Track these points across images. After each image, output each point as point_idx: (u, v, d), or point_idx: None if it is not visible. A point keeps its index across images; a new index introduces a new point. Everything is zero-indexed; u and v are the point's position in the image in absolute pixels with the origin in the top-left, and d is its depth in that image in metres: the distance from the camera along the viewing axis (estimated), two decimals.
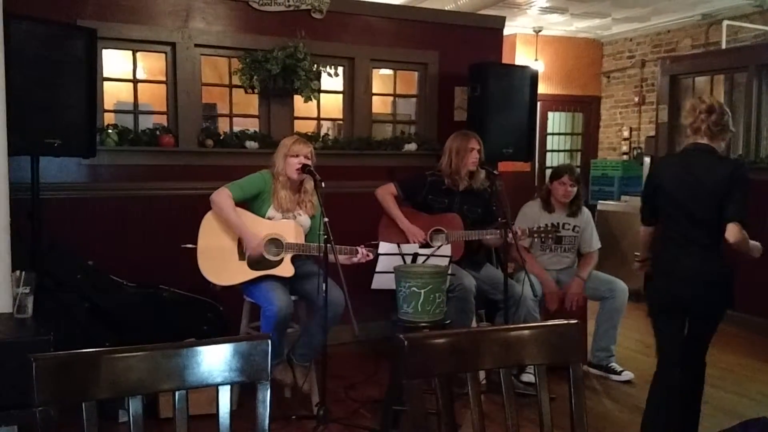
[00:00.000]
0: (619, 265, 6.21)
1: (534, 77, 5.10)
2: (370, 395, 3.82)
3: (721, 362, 4.07)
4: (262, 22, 4.54)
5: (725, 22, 6.97)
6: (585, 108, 9.35)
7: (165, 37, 4.31)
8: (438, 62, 5.18)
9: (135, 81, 4.43)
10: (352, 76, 4.95)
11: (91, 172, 4.14)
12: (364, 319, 3.06)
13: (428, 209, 4.04)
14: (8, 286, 3.03)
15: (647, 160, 6.46)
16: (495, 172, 3.98)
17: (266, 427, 1.32)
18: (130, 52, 4.36)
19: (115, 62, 4.72)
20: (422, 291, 2.88)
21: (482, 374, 3.37)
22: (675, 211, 2.86)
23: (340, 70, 4.89)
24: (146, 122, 4.56)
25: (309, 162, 3.43)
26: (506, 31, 5.67)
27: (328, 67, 4.69)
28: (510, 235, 3.64)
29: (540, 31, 8.58)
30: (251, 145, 4.51)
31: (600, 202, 7.19)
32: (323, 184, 3.30)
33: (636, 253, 3.23)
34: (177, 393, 1.27)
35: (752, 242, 2.78)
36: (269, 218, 3.46)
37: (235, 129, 4.69)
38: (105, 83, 4.20)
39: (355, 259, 3.36)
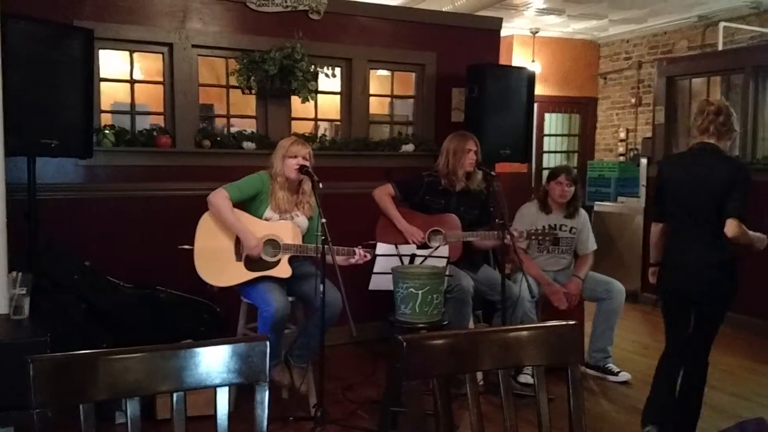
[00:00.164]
0: (616, 266, 6.24)
1: (531, 78, 5.11)
2: (367, 396, 3.82)
3: (720, 363, 4.07)
4: (260, 23, 4.54)
5: (722, 24, 6.99)
6: (582, 109, 9.37)
7: (162, 38, 4.30)
8: (435, 63, 5.18)
9: (132, 81, 4.43)
10: (349, 76, 4.95)
11: (87, 172, 4.13)
12: (361, 320, 3.06)
13: (425, 210, 4.05)
14: (5, 287, 3.02)
15: (644, 161, 6.47)
16: (492, 173, 3.98)
17: (264, 429, 1.32)
18: (127, 53, 4.36)
19: (112, 63, 4.71)
20: (420, 292, 2.88)
21: (480, 375, 3.38)
22: (682, 207, 3.00)
23: (338, 71, 4.89)
24: (143, 123, 4.54)
25: (307, 163, 3.43)
26: (503, 33, 5.68)
27: (325, 67, 4.68)
28: (507, 236, 3.64)
29: (537, 32, 8.59)
30: (248, 145, 4.51)
31: (597, 203, 7.21)
32: (321, 185, 3.30)
33: (651, 263, 3.33)
34: (175, 395, 1.27)
35: (757, 234, 2.90)
36: (267, 219, 3.45)
37: (233, 130, 4.69)
38: (102, 84, 4.20)
39: (352, 260, 3.36)
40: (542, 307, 4.22)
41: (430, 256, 3.30)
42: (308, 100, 4.61)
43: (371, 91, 5.09)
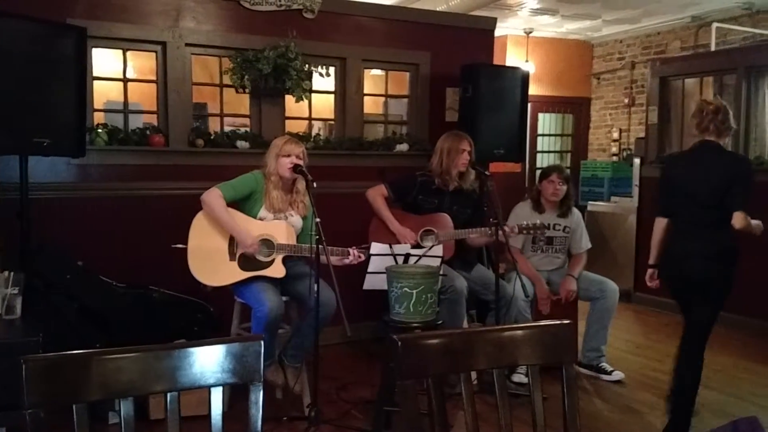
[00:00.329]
0: (610, 266, 6.26)
1: (525, 78, 5.12)
2: (361, 396, 3.81)
3: (715, 363, 4.09)
4: (254, 22, 4.53)
5: (714, 25, 7.02)
6: (575, 109, 9.40)
7: (155, 37, 4.28)
8: (429, 63, 5.18)
9: (125, 80, 4.41)
10: (343, 76, 4.94)
11: (80, 171, 4.11)
12: (355, 319, 3.05)
13: (418, 209, 4.05)
14: None
15: (637, 161, 6.49)
16: (486, 173, 3.99)
17: (258, 429, 1.31)
18: (120, 51, 4.34)
19: (105, 61, 4.69)
20: (414, 291, 2.88)
21: (473, 375, 3.38)
22: (687, 200, 3.19)
23: (332, 70, 4.88)
24: (136, 122, 4.53)
25: (301, 162, 3.42)
26: (497, 33, 5.69)
27: (319, 67, 4.67)
28: (501, 234, 3.64)
29: (531, 32, 8.61)
30: (242, 144, 4.50)
31: (590, 203, 7.23)
32: (315, 185, 3.29)
33: (649, 264, 3.46)
34: (169, 395, 1.26)
35: (755, 221, 3.11)
36: (261, 219, 3.44)
37: (226, 129, 4.68)
38: (95, 82, 4.18)
39: (347, 261, 3.35)
40: (536, 306, 4.22)
41: (424, 255, 3.30)
42: (302, 100, 4.60)
43: (365, 91, 5.09)
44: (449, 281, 3.78)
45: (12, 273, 3.08)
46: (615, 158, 8.78)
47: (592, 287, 4.24)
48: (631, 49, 8.76)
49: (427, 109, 5.23)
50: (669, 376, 3.37)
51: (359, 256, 3.36)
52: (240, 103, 4.87)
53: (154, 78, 4.42)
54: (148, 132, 4.31)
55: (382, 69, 5.34)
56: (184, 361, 1.27)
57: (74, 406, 1.19)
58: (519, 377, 3.94)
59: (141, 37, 4.25)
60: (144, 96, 4.75)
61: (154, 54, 4.37)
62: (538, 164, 9.08)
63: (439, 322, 3.10)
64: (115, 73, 4.58)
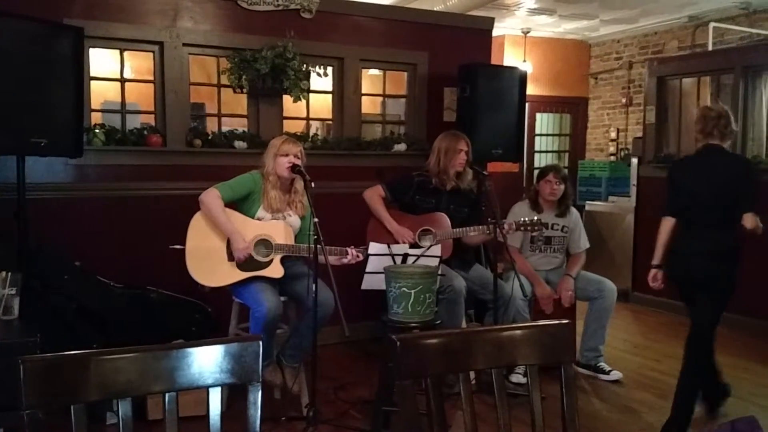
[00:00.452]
0: (608, 266, 6.26)
1: (523, 78, 5.12)
2: (360, 396, 3.81)
3: None
4: (251, 22, 4.52)
5: (712, 24, 7.02)
6: (573, 109, 9.40)
7: (153, 36, 4.28)
8: (427, 63, 5.18)
9: (122, 80, 4.40)
10: (341, 76, 4.94)
11: (77, 172, 4.10)
12: (353, 319, 3.06)
13: (415, 209, 4.05)
14: None
15: (635, 161, 6.50)
16: (485, 172, 3.99)
17: (257, 429, 1.31)
18: (118, 51, 4.33)
19: (102, 61, 4.68)
20: (412, 291, 2.88)
21: (472, 374, 3.38)
22: (692, 201, 3.33)
23: (330, 70, 4.88)
24: (134, 122, 4.52)
25: (299, 162, 3.42)
26: (495, 32, 5.69)
27: (317, 67, 4.67)
28: (500, 233, 3.64)
29: (528, 32, 8.61)
30: (240, 145, 4.49)
31: (587, 202, 7.23)
32: (313, 185, 3.29)
33: (653, 264, 3.50)
34: (167, 395, 1.26)
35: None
36: (259, 219, 3.44)
37: (224, 129, 4.67)
38: (92, 82, 4.17)
39: (345, 260, 3.35)
40: (535, 306, 4.22)
41: (422, 255, 3.30)
42: (300, 99, 4.60)
43: (363, 91, 5.09)
44: (448, 281, 3.78)
45: (9, 273, 3.08)
46: (613, 158, 8.79)
47: (590, 287, 4.24)
48: (629, 49, 8.76)
49: (424, 109, 5.23)
50: (666, 376, 3.45)
51: (357, 256, 3.36)
52: (238, 103, 4.86)
53: (151, 78, 4.42)
54: (145, 132, 4.31)
55: (379, 69, 5.34)
56: (182, 362, 1.27)
57: (72, 407, 1.19)
58: (517, 377, 3.94)
59: (138, 37, 4.25)
60: (141, 96, 4.75)
61: (151, 54, 4.36)
62: (536, 164, 9.09)
63: (438, 321, 3.10)
64: (112, 73, 4.57)
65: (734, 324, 4.90)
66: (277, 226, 3.42)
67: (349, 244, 3.41)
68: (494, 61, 5.99)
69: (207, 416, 1.29)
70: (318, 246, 3.08)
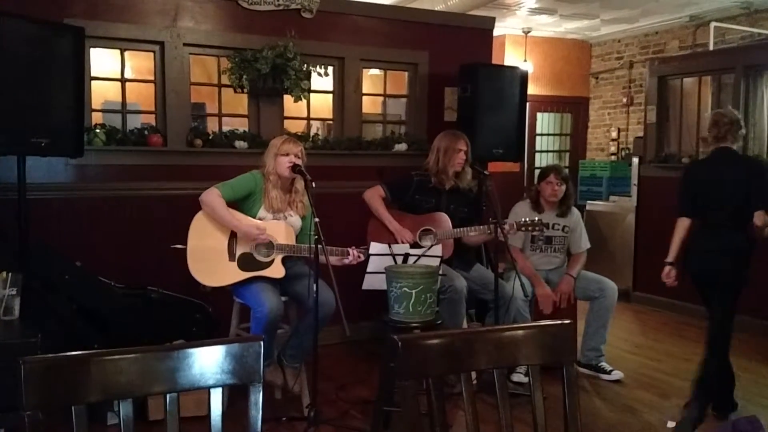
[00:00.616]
0: (608, 265, 6.25)
1: (524, 78, 5.11)
2: (360, 396, 3.81)
3: None
4: (252, 21, 4.52)
5: (712, 24, 7.02)
6: (573, 109, 9.39)
7: (153, 36, 4.28)
8: (428, 62, 5.18)
9: (123, 80, 4.40)
10: (342, 75, 4.94)
11: (78, 172, 4.10)
12: (354, 319, 3.06)
13: (416, 209, 4.05)
14: None
15: (635, 160, 6.49)
16: (486, 172, 3.99)
17: (258, 430, 1.30)
18: (118, 51, 4.33)
19: (102, 61, 4.68)
20: (413, 291, 2.88)
21: (473, 374, 3.38)
22: (709, 203, 3.51)
23: (330, 69, 4.88)
24: (134, 122, 4.52)
25: (299, 161, 3.42)
26: (496, 32, 5.68)
27: (318, 66, 4.67)
28: (501, 233, 3.64)
29: (529, 32, 8.60)
30: (240, 144, 4.49)
31: (588, 202, 7.23)
32: (314, 184, 3.29)
33: (667, 260, 3.64)
34: (168, 396, 1.26)
35: None
36: (260, 219, 3.44)
37: (225, 129, 4.66)
38: (93, 82, 4.17)
39: (346, 261, 3.34)
40: (535, 306, 4.22)
41: (423, 255, 3.30)
42: (301, 99, 4.59)
43: (364, 90, 5.08)
44: (449, 281, 3.78)
45: (10, 274, 3.07)
46: (613, 158, 8.78)
47: (590, 287, 4.24)
48: (630, 49, 8.76)
49: (425, 109, 5.23)
50: (668, 376, 3.50)
51: (358, 256, 3.36)
52: (238, 103, 4.86)
53: (152, 78, 4.41)
54: (146, 132, 4.30)
55: (380, 69, 5.34)
56: (183, 362, 1.26)
57: (73, 408, 1.18)
58: (518, 377, 3.94)
59: (139, 36, 4.25)
60: (142, 96, 4.75)
61: (152, 54, 4.36)
62: (537, 164, 9.08)
63: (439, 321, 3.10)
64: (113, 73, 4.57)
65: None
66: (278, 226, 3.42)
67: (350, 244, 3.41)
68: (495, 60, 5.99)
69: (208, 417, 1.29)
70: (319, 246, 3.07)
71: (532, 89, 6.74)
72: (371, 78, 5.92)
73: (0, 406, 2.42)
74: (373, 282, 3.23)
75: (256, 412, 1.30)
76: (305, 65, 4.54)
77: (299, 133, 4.73)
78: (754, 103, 5.67)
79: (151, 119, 4.49)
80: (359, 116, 5.07)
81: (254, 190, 3.45)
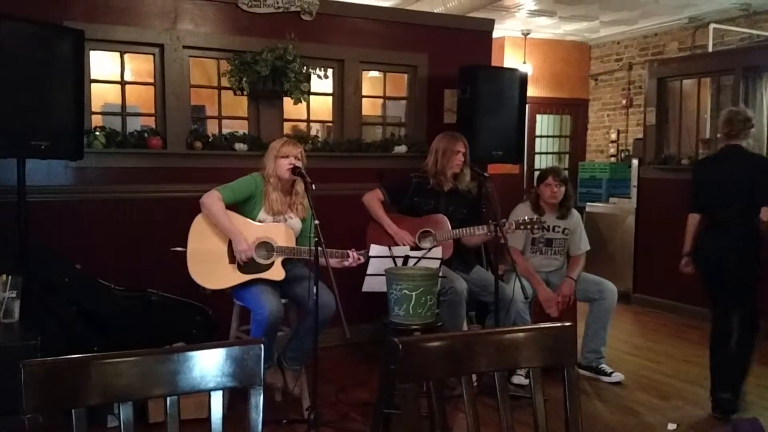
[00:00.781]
0: (608, 267, 6.25)
1: (523, 80, 5.11)
2: (360, 398, 3.81)
3: None
4: (251, 24, 4.52)
5: (712, 26, 7.03)
6: (573, 110, 9.40)
7: (153, 39, 4.28)
8: (427, 64, 5.18)
9: (123, 83, 4.40)
10: (341, 78, 4.94)
11: (78, 174, 4.10)
12: (354, 322, 3.05)
13: (415, 211, 4.05)
14: None
15: (635, 162, 6.49)
16: (485, 174, 3.98)
17: None
18: (118, 54, 4.33)
19: (102, 64, 4.68)
20: (414, 293, 2.87)
21: (473, 376, 3.38)
22: (719, 199, 3.59)
23: (330, 72, 4.88)
24: (134, 124, 4.51)
25: (299, 163, 3.41)
26: (495, 34, 5.68)
27: (317, 69, 4.67)
28: (500, 234, 3.63)
29: (528, 34, 8.61)
30: (240, 147, 4.49)
31: (588, 204, 7.23)
32: (314, 186, 3.29)
33: (684, 252, 3.78)
34: (168, 399, 1.26)
35: None
36: (260, 221, 3.44)
37: (224, 131, 4.67)
38: (92, 85, 4.17)
39: (346, 263, 3.34)
40: (535, 307, 4.22)
41: (423, 257, 3.30)
42: (300, 102, 4.59)
43: (363, 93, 5.09)
44: (449, 283, 3.78)
45: (10, 276, 3.07)
46: (613, 159, 8.78)
47: (590, 288, 4.24)
48: (629, 51, 8.76)
49: (425, 111, 5.23)
50: (667, 377, 3.49)
51: (358, 259, 3.36)
52: (238, 105, 4.86)
53: (151, 80, 4.42)
54: (146, 134, 4.31)
55: (380, 71, 5.34)
56: (183, 365, 1.26)
57: (73, 411, 1.18)
58: (519, 379, 3.93)
59: (138, 39, 4.25)
60: (142, 99, 4.75)
61: (151, 56, 4.36)
62: (537, 166, 9.09)
63: (439, 324, 3.10)
64: (112, 75, 4.57)
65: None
66: (278, 229, 3.42)
67: (350, 246, 3.41)
68: (494, 62, 5.99)
69: (208, 419, 1.29)
70: (319, 248, 3.07)
71: (531, 91, 6.74)
72: (371, 80, 5.92)
73: (0, 410, 2.42)
74: (373, 284, 3.23)
75: (257, 415, 1.30)
76: (305, 67, 4.54)
77: (300, 133, 4.71)
78: (754, 104, 5.66)
79: (150, 122, 4.49)
80: (359, 118, 5.07)
81: (255, 192, 3.45)
